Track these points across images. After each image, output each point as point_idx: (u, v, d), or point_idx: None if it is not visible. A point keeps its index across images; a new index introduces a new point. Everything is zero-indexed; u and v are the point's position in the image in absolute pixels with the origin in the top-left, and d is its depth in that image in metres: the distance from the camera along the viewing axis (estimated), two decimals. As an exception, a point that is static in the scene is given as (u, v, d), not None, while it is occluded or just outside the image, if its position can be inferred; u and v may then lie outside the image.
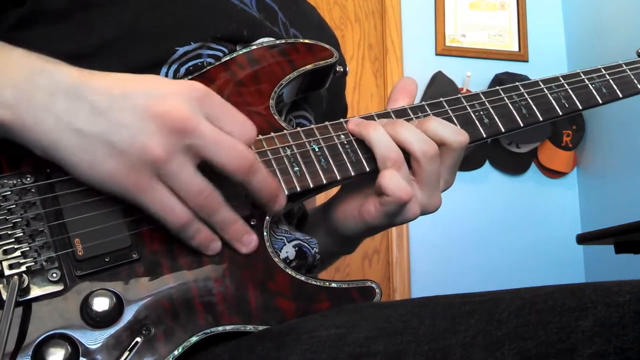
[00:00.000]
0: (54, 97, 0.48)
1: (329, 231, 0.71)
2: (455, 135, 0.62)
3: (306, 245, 0.66)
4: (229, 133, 0.50)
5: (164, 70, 0.61)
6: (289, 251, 0.64)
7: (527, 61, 2.76)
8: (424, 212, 0.64)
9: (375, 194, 0.62)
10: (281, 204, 0.55)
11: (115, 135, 0.47)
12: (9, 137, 0.49)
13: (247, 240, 0.54)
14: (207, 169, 0.50)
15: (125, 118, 0.47)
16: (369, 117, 0.65)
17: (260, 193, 0.52)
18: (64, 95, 0.48)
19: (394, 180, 0.60)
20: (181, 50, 0.63)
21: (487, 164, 2.64)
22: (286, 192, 0.58)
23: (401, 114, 0.67)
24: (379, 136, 0.61)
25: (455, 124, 0.67)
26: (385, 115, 0.66)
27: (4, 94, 0.47)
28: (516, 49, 2.77)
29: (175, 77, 0.62)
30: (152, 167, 0.47)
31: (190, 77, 0.62)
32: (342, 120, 0.64)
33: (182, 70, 0.62)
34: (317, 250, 0.67)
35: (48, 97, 0.48)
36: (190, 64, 0.63)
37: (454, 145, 0.62)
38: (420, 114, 0.67)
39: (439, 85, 2.55)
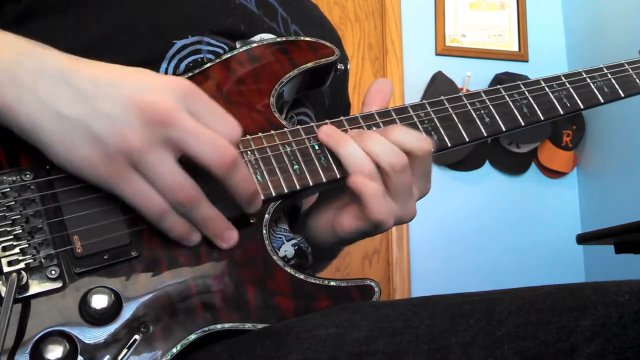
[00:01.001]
0: (38, 79, 0.47)
1: (307, 239, 0.69)
2: (418, 142, 0.60)
3: (302, 244, 0.66)
4: (212, 129, 0.49)
5: (164, 66, 0.61)
6: (287, 250, 0.64)
7: (527, 61, 2.76)
8: (398, 223, 0.62)
9: (349, 209, 0.61)
10: (257, 206, 0.54)
11: (95, 120, 0.47)
12: None
13: (227, 237, 0.53)
14: (190, 165, 0.50)
15: (108, 106, 0.47)
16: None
17: (239, 191, 0.52)
18: (49, 78, 0.48)
19: (378, 205, 0.58)
20: (179, 43, 0.62)
21: (487, 164, 2.64)
22: (285, 191, 0.58)
23: (402, 111, 0.66)
24: (350, 150, 0.59)
25: (457, 123, 0.67)
26: (386, 113, 0.66)
27: None
28: (516, 49, 2.77)
29: (175, 73, 0.62)
30: (129, 156, 0.47)
31: (190, 73, 0.62)
32: (342, 118, 0.64)
33: (182, 66, 0.62)
34: (310, 250, 0.67)
35: (33, 78, 0.47)
36: (190, 59, 0.63)
37: (419, 154, 0.60)
38: (420, 112, 0.67)
39: (439, 85, 2.55)
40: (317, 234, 0.67)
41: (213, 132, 0.49)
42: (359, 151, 0.59)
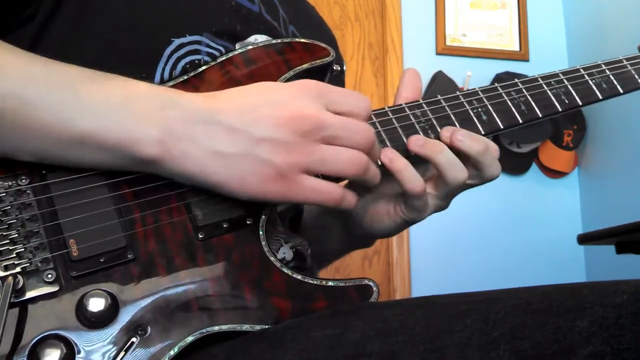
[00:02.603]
0: (190, 126, 0.50)
1: (347, 228, 0.74)
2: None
3: (301, 247, 0.66)
4: (348, 112, 0.55)
5: (161, 65, 0.61)
6: (286, 252, 0.64)
7: (527, 60, 2.75)
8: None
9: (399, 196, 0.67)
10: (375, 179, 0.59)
11: (257, 149, 0.50)
12: (155, 172, 0.51)
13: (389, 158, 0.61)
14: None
15: (260, 130, 0.51)
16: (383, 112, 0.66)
17: (373, 173, 0.57)
18: (202, 124, 0.51)
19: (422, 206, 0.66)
20: (177, 41, 0.63)
21: (487, 163, 2.63)
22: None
23: (398, 111, 0.66)
24: (447, 158, 0.64)
25: (454, 122, 0.66)
26: (382, 113, 0.66)
27: (150, 132, 0.49)
28: (517, 48, 2.77)
29: (171, 75, 0.62)
30: (299, 166, 0.51)
31: (186, 76, 0.62)
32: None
33: (179, 66, 0.62)
34: (310, 252, 0.67)
35: (185, 127, 0.50)
36: (187, 59, 0.63)
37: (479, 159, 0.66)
38: (417, 111, 0.67)
39: (440, 84, 2.54)
40: (364, 224, 0.70)
41: (352, 120, 0.55)
42: (454, 159, 0.64)
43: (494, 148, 0.66)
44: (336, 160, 0.53)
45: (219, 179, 0.51)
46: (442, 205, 0.68)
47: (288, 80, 0.66)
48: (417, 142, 0.64)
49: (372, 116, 0.65)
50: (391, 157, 0.63)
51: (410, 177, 0.62)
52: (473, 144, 0.64)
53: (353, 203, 0.57)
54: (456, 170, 0.63)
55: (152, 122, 0.50)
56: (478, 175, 0.66)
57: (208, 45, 0.64)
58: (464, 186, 0.66)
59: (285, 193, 0.52)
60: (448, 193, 0.66)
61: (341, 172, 0.54)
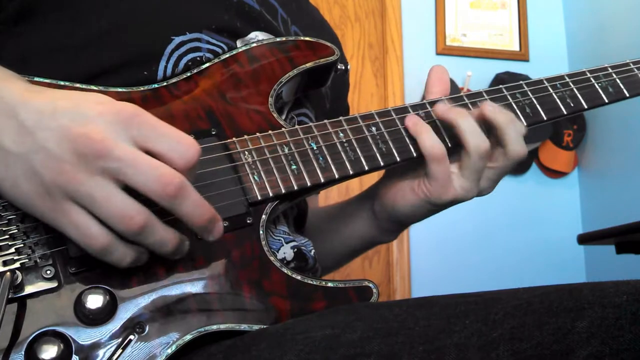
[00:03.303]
0: None
1: (372, 217, 0.73)
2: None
3: (304, 247, 0.66)
4: (161, 153, 0.46)
5: (162, 63, 0.61)
6: (286, 252, 0.63)
7: (527, 61, 2.75)
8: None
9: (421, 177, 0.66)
10: (218, 233, 0.50)
11: (34, 155, 0.45)
12: None
13: (184, 251, 0.50)
14: None
15: (46, 139, 0.45)
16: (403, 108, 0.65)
17: (191, 220, 0.47)
18: (2, 113, 0.46)
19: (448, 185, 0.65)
20: (177, 39, 0.62)
21: (487, 163, 2.63)
22: (283, 191, 0.57)
23: (402, 111, 0.66)
24: (470, 124, 0.63)
25: None
26: (385, 113, 0.65)
27: None
28: (517, 48, 2.77)
29: (173, 72, 0.62)
30: (65, 190, 0.45)
31: (189, 73, 0.62)
32: (341, 118, 0.64)
33: (181, 64, 0.62)
34: (314, 252, 0.67)
35: None
36: (189, 57, 0.63)
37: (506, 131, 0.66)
38: (420, 112, 0.67)
39: (440, 84, 2.54)
40: (392, 208, 0.70)
41: (154, 160, 0.46)
42: (477, 128, 0.64)
43: (520, 124, 0.67)
44: (106, 206, 0.45)
45: None
46: (468, 187, 0.66)
47: (291, 79, 0.65)
48: (443, 107, 0.64)
49: (375, 115, 0.65)
50: (415, 120, 0.64)
51: (432, 141, 0.63)
52: (499, 114, 0.64)
53: (127, 260, 0.47)
54: (478, 138, 0.63)
55: None
56: (502, 154, 0.66)
57: (208, 42, 0.64)
58: (490, 170, 0.66)
59: (47, 214, 0.46)
60: (472, 169, 0.65)
61: (108, 221, 0.45)
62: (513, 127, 0.65)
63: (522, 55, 2.75)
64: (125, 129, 0.46)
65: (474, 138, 0.63)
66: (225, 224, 0.54)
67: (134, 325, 0.48)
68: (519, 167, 2.65)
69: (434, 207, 0.67)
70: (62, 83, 0.56)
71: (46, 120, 0.46)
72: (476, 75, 2.60)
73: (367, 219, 0.75)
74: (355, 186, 2.41)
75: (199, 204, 0.47)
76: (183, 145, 0.47)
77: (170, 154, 0.46)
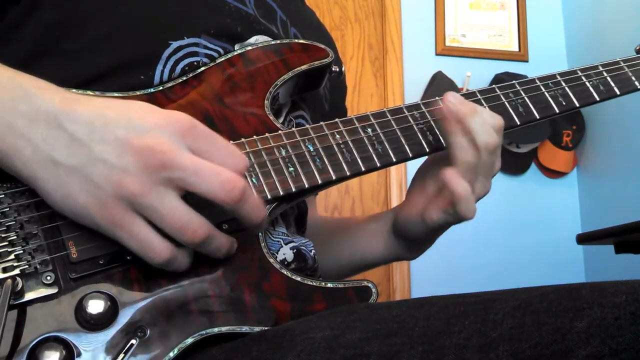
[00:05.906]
0: (32, 125, 0.46)
1: (395, 235, 0.75)
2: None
3: (304, 247, 0.66)
4: (217, 163, 0.48)
5: (159, 67, 0.61)
6: (286, 253, 0.63)
7: (527, 61, 2.75)
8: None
9: (438, 202, 0.67)
10: (264, 226, 0.54)
11: (92, 168, 0.46)
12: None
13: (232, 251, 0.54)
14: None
15: (104, 151, 0.46)
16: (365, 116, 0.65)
17: (250, 219, 0.50)
18: (44, 123, 0.46)
19: (467, 205, 0.65)
20: (175, 44, 0.62)
21: (487, 164, 2.63)
22: (281, 193, 0.58)
23: (397, 112, 0.66)
24: (479, 121, 0.63)
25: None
26: (380, 114, 0.66)
27: None
28: (516, 49, 2.77)
29: (170, 76, 0.62)
30: (128, 202, 0.46)
31: (185, 77, 0.62)
32: (337, 120, 0.64)
33: (178, 69, 0.62)
34: (315, 252, 0.67)
35: (28, 124, 0.46)
36: (186, 61, 0.63)
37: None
38: (415, 112, 0.67)
39: (439, 85, 2.54)
40: (406, 227, 0.72)
41: (216, 166, 0.47)
42: (487, 125, 0.63)
43: (487, 113, 0.65)
44: (171, 218, 0.46)
45: (46, 188, 0.47)
46: (485, 185, 0.68)
47: (286, 81, 0.66)
48: (451, 100, 0.64)
49: (371, 117, 0.65)
50: (457, 100, 0.64)
51: (463, 185, 0.63)
52: (459, 105, 0.63)
53: (183, 267, 0.50)
54: (485, 135, 0.63)
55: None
56: (474, 147, 0.64)
57: (206, 47, 0.64)
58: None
59: (105, 226, 0.46)
60: (484, 165, 0.65)
61: (172, 233, 0.47)
62: (478, 118, 0.63)
63: (521, 56, 2.75)
64: (183, 138, 0.48)
65: (482, 136, 0.63)
66: (224, 227, 0.54)
67: (135, 330, 0.48)
68: (518, 168, 2.65)
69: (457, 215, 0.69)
70: (90, 92, 0.56)
71: (99, 132, 0.46)
72: (475, 76, 2.60)
73: (387, 242, 0.77)
74: (355, 186, 2.41)
75: (258, 204, 0.50)
76: (236, 156, 0.50)
77: (223, 163, 0.48)
